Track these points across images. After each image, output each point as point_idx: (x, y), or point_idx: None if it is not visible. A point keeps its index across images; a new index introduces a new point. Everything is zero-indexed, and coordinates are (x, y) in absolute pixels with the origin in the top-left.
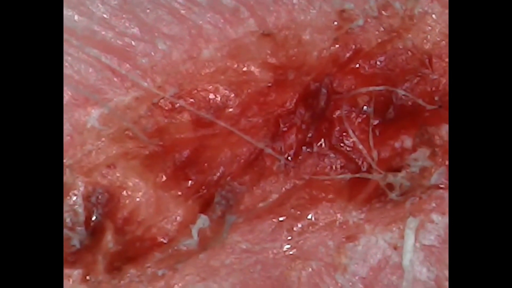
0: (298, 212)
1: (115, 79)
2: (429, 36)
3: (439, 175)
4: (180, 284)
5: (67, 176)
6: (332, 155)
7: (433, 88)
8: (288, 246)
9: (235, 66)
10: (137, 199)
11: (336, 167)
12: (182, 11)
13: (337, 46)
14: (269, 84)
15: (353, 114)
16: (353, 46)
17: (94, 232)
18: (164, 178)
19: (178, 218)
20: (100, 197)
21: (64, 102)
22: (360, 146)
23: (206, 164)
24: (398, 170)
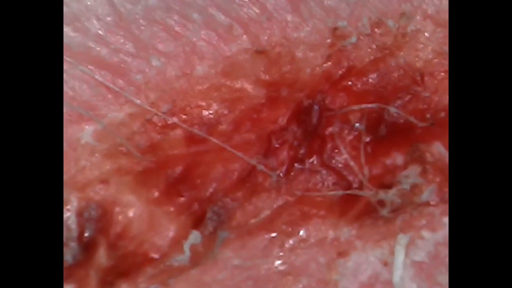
0: (290, 229)
1: (109, 95)
2: (421, 54)
3: (430, 192)
4: None
5: None
6: (323, 171)
7: (425, 106)
8: (280, 262)
9: (229, 83)
10: (130, 215)
11: (327, 184)
12: (177, 28)
13: (329, 63)
14: (262, 101)
15: (345, 131)
16: (346, 64)
17: (87, 247)
18: (157, 194)
19: (170, 233)
20: (93, 212)
21: None
22: (352, 163)
23: (198, 180)
24: (389, 187)
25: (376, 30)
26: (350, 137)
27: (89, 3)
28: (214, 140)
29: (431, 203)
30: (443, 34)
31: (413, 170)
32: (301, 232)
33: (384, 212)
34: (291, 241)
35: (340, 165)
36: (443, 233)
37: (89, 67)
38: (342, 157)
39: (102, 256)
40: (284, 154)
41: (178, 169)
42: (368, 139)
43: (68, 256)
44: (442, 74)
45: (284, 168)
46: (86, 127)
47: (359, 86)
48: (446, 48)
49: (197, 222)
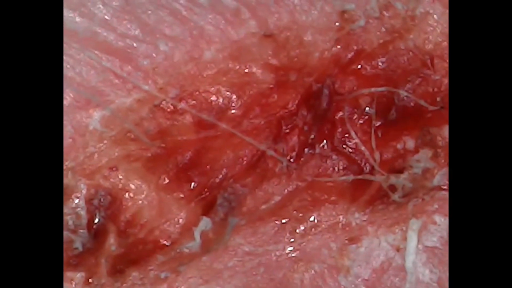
0: (301, 214)
1: (117, 81)
2: (430, 37)
3: (442, 176)
4: (183, 287)
5: (69, 179)
6: (334, 156)
7: (435, 89)
8: (291, 248)
9: (237, 67)
10: (140, 202)
11: (338, 169)
12: (184, 12)
13: (338, 47)
14: (271, 86)
15: (355, 115)
16: (355, 47)
17: (97, 234)
18: (167, 180)
19: (181, 220)
20: (102, 199)
21: (66, 104)
22: (363, 148)
23: (208, 166)
24: (400, 171)
25: (384, 13)
26: (361, 121)
27: None
28: (224, 125)
29: (443, 187)
30: None
31: (424, 154)
32: (312, 218)
33: (396, 197)
34: (302, 227)
35: (350, 150)
36: None
37: (96, 52)
38: (353, 141)
39: (112, 244)
40: (294, 139)
41: (188, 155)
42: (378, 123)
43: (78, 243)
44: None
45: (294, 153)
46: (94, 113)
47: (368, 69)
48: None
49: (208, 208)
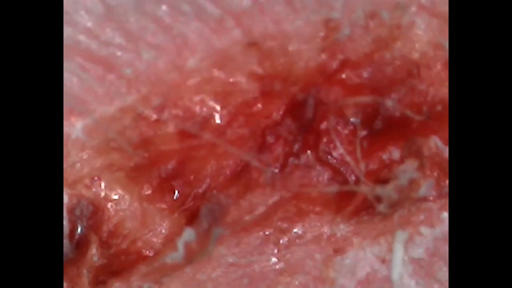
0: (285, 225)
1: (99, 89)
2: (417, 46)
3: (428, 187)
4: None
5: None
6: (319, 167)
7: (421, 99)
8: (275, 259)
9: (221, 76)
10: (122, 212)
11: (323, 179)
12: (167, 21)
13: (323, 56)
14: (256, 95)
15: (340, 126)
16: (340, 56)
17: (79, 245)
18: (150, 190)
19: (164, 231)
20: (84, 209)
21: None
22: (348, 158)
23: (192, 176)
24: (386, 182)
25: (370, 22)
26: (346, 131)
27: None
28: (207, 136)
29: (429, 198)
30: (439, 25)
31: (410, 165)
32: (297, 229)
33: (381, 208)
34: (286, 238)
35: (335, 160)
36: (442, 228)
37: (78, 60)
38: (338, 152)
39: (94, 254)
40: (278, 150)
41: (171, 165)
42: (364, 134)
43: None
44: (438, 66)
45: (279, 163)
46: (76, 122)
47: (354, 79)
48: (441, 39)
49: (191, 219)
